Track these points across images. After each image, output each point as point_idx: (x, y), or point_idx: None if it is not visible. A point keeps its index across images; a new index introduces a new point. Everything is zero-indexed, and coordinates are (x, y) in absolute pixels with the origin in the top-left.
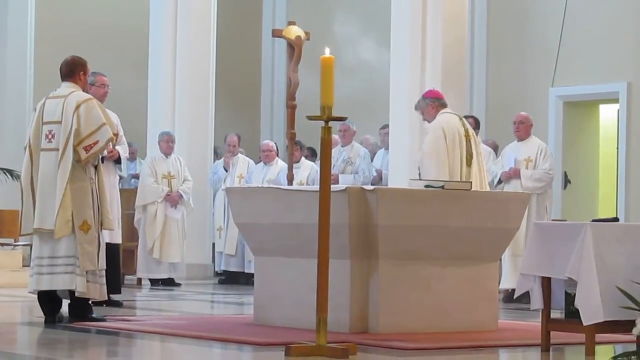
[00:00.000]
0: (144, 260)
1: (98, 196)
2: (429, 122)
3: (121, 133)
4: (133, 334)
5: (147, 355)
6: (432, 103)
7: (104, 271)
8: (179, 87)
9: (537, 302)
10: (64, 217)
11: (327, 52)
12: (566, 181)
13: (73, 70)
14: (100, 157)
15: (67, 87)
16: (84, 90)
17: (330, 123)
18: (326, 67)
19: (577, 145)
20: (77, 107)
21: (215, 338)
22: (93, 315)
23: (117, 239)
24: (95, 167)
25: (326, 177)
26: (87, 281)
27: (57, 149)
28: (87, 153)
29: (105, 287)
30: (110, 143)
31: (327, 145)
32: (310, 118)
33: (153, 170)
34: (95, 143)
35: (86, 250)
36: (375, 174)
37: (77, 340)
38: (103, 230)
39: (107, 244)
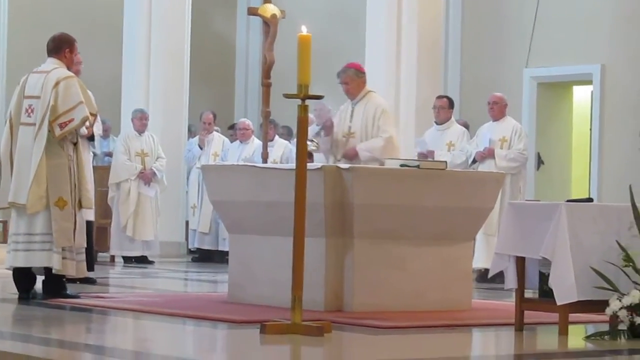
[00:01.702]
0: (117, 237)
1: (76, 174)
2: (352, 97)
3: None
4: (107, 311)
5: (121, 332)
6: (364, 78)
7: (83, 249)
8: (153, 65)
9: (511, 281)
10: (37, 193)
11: (304, 30)
12: (539, 162)
13: (59, 46)
14: (79, 135)
15: (51, 63)
16: (68, 68)
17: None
18: (303, 45)
19: (550, 126)
20: (57, 83)
21: (190, 315)
22: (67, 292)
23: (90, 216)
24: (75, 145)
25: (302, 155)
26: (64, 258)
27: (35, 124)
28: (61, 130)
29: (84, 264)
30: (88, 122)
31: (303, 123)
32: (287, 96)
33: (126, 147)
34: (71, 121)
35: (61, 226)
36: None
37: (52, 317)
38: (82, 209)
39: None
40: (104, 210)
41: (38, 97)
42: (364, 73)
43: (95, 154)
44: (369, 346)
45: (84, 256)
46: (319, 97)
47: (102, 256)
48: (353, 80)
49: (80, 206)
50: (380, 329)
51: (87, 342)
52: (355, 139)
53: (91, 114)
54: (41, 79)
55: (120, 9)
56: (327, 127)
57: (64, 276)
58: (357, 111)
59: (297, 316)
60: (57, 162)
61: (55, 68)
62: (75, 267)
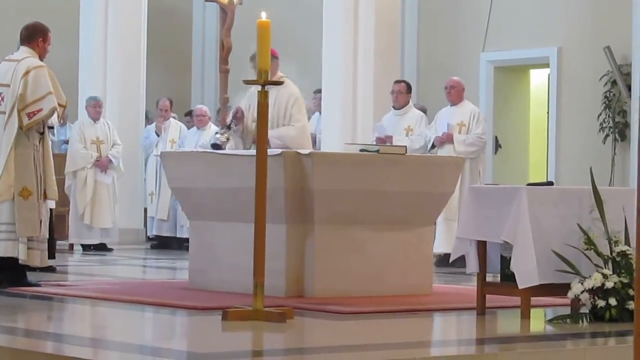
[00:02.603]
0: (75, 225)
1: (41, 164)
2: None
3: None
4: (67, 298)
5: (81, 320)
6: (277, 62)
7: (46, 239)
8: (110, 51)
9: (472, 265)
10: (6, 182)
11: (264, 16)
12: (497, 146)
13: (32, 35)
14: (46, 125)
15: (23, 52)
16: (41, 58)
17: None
18: (263, 31)
19: (507, 110)
20: (27, 72)
21: (151, 302)
22: (27, 281)
23: (51, 204)
24: (42, 135)
25: (262, 140)
26: (29, 248)
27: (5, 113)
28: (29, 119)
29: (46, 253)
30: (56, 113)
31: (264, 108)
32: (247, 82)
33: (82, 136)
34: (39, 111)
35: (24, 216)
36: None
37: (13, 306)
38: (48, 200)
39: None
40: (62, 198)
41: (8, 86)
42: (277, 58)
43: (52, 142)
44: (331, 331)
45: (46, 245)
46: (278, 83)
47: (60, 244)
48: (273, 65)
49: (46, 197)
50: (342, 314)
51: (47, 330)
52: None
53: (60, 105)
54: (12, 67)
55: None
56: (238, 118)
57: (27, 266)
58: (269, 96)
59: (258, 302)
60: (23, 152)
61: (26, 57)
62: (39, 257)
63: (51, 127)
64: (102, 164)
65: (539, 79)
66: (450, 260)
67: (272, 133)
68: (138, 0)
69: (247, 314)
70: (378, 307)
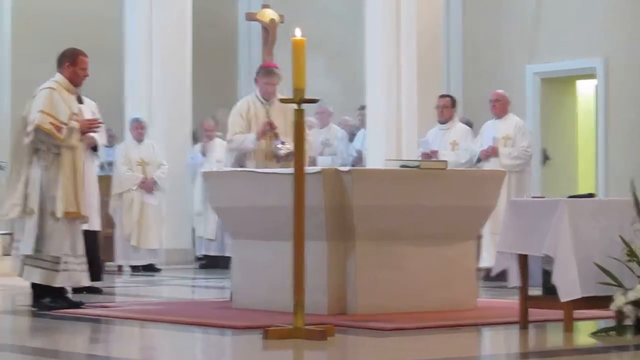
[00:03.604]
0: (122, 247)
1: (49, 183)
2: (271, 97)
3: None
4: (109, 320)
5: (121, 341)
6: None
7: (61, 258)
8: (155, 72)
9: (514, 279)
10: (11, 201)
11: (299, 34)
12: (545, 157)
13: (60, 60)
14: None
15: (51, 78)
16: (73, 82)
17: (305, 105)
18: (298, 49)
19: (555, 121)
20: (34, 96)
21: (193, 322)
22: (46, 301)
23: (96, 226)
24: (57, 155)
25: (300, 159)
26: (25, 264)
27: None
28: (27, 138)
29: (56, 273)
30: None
31: (300, 127)
32: (282, 101)
33: (126, 157)
34: (31, 131)
35: (25, 235)
36: (354, 154)
37: (53, 328)
38: (74, 219)
39: (85, 231)
40: (110, 219)
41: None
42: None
43: (103, 165)
44: (373, 349)
45: (74, 266)
46: (314, 101)
47: (109, 265)
48: (278, 81)
49: (55, 214)
50: (384, 330)
51: (87, 352)
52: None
53: (53, 124)
54: None
55: (122, 17)
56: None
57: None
58: (274, 111)
59: (299, 320)
60: (33, 171)
61: (48, 82)
62: (41, 275)
63: (95, 149)
64: (147, 186)
65: (586, 89)
66: (492, 274)
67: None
68: (183, 21)
69: (287, 332)
70: (420, 323)
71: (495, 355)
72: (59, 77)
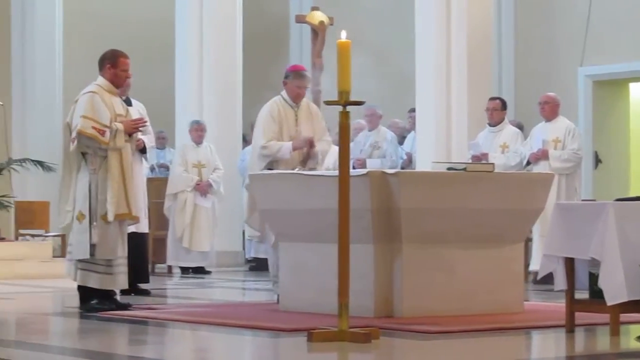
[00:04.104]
0: (173, 248)
1: (98, 186)
2: (299, 101)
3: (147, 123)
4: (157, 322)
5: (168, 343)
6: None
7: (113, 261)
8: (206, 75)
9: (560, 283)
10: (64, 207)
11: (344, 36)
12: (597, 161)
13: (100, 63)
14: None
15: (93, 82)
16: (114, 84)
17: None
18: (343, 51)
19: (607, 124)
20: (76, 100)
21: (238, 325)
22: (93, 303)
23: (144, 228)
24: (105, 158)
25: (345, 161)
26: (78, 269)
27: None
28: (72, 145)
29: (111, 276)
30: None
31: (345, 130)
32: (327, 103)
33: (184, 158)
34: (75, 138)
35: (77, 239)
36: (404, 157)
37: (98, 330)
38: (124, 220)
39: (133, 233)
40: (161, 221)
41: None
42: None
43: (154, 167)
44: (417, 352)
45: (112, 269)
46: (359, 103)
47: (160, 267)
48: (309, 84)
49: (105, 218)
50: (429, 333)
51: (135, 355)
52: None
53: (96, 128)
54: None
55: (172, 20)
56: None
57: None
58: (302, 114)
59: (343, 323)
60: (81, 176)
61: (89, 85)
62: (94, 279)
63: (144, 152)
64: (202, 188)
65: (638, 92)
66: (538, 278)
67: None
68: (233, 23)
69: (332, 335)
70: (466, 326)
71: (541, 359)
72: (100, 80)
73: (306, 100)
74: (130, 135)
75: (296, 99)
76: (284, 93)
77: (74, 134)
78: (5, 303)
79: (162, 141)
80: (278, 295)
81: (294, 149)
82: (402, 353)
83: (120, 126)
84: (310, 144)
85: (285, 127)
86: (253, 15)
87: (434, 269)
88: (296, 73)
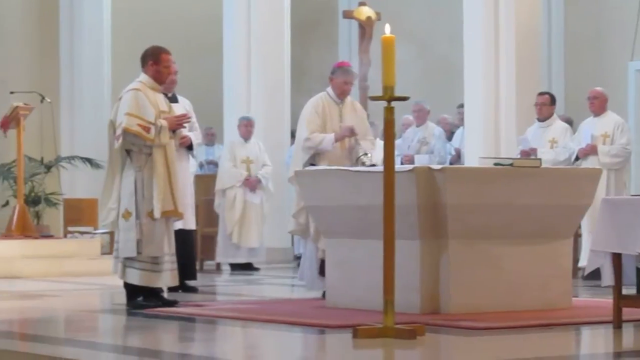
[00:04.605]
0: (223, 245)
1: (144, 184)
2: (344, 97)
3: (193, 119)
4: (204, 318)
5: (214, 340)
6: None
7: (160, 258)
8: (254, 71)
9: (608, 278)
10: (107, 205)
11: (388, 31)
12: None
13: (143, 60)
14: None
15: (136, 79)
16: (157, 81)
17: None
18: (387, 46)
19: None
20: (119, 98)
21: (283, 321)
22: (139, 300)
23: (191, 225)
24: (149, 155)
25: (390, 157)
26: (126, 267)
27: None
28: (117, 142)
29: (158, 274)
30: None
31: (389, 125)
32: (372, 98)
33: (232, 154)
34: (120, 135)
35: (123, 237)
36: (452, 153)
37: (145, 327)
38: (170, 217)
39: (180, 230)
40: (210, 218)
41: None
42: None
43: (202, 164)
44: (463, 348)
45: (158, 266)
46: (404, 99)
47: (208, 264)
48: (355, 80)
49: (152, 215)
50: (476, 330)
51: (180, 352)
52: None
53: (141, 125)
54: None
55: (220, 16)
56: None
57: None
58: (346, 110)
59: (389, 319)
60: (126, 174)
61: (132, 83)
62: (139, 277)
63: (190, 148)
64: (251, 184)
65: None
66: (585, 274)
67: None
68: (281, 18)
69: (377, 331)
70: (513, 322)
71: (587, 354)
72: (143, 76)
73: (350, 98)
74: (174, 131)
75: (341, 95)
76: (329, 89)
77: (118, 132)
78: (54, 300)
79: (211, 138)
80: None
81: (337, 139)
82: (448, 349)
83: (164, 123)
84: (352, 132)
85: (329, 122)
86: (301, 10)
87: (481, 265)
88: (342, 69)
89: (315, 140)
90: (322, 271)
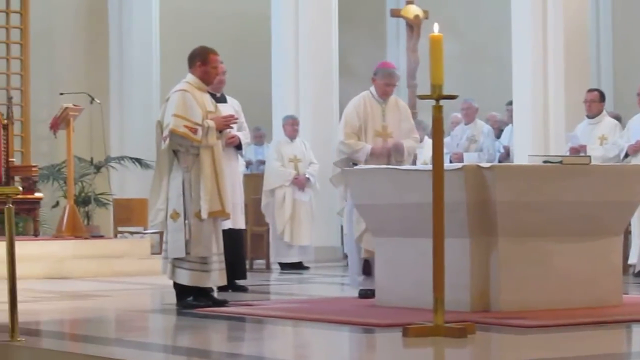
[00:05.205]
0: (273, 244)
1: (191, 184)
2: (386, 97)
3: (242, 119)
4: (254, 318)
5: (265, 339)
6: None
7: (208, 258)
8: (302, 71)
9: None
10: (156, 205)
11: (436, 30)
12: None
13: (191, 60)
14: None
15: (183, 80)
16: (205, 81)
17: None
18: (435, 45)
19: None
20: (167, 99)
21: (333, 320)
22: (189, 299)
23: (241, 224)
24: (197, 156)
25: (439, 155)
26: (175, 267)
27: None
28: (164, 143)
29: (207, 273)
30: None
31: (438, 123)
32: (420, 97)
33: (279, 154)
34: (167, 136)
35: (172, 238)
36: (502, 150)
37: (194, 326)
38: (217, 217)
39: (230, 229)
40: (259, 217)
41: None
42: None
43: (250, 163)
44: (514, 346)
45: (215, 265)
46: (452, 97)
47: (258, 263)
48: (398, 82)
49: (199, 215)
50: (526, 328)
51: (231, 352)
52: (393, 138)
53: (188, 126)
54: None
55: (268, 16)
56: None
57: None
58: (389, 109)
59: (439, 318)
60: (174, 175)
61: (180, 83)
62: (188, 276)
63: (239, 148)
64: (300, 182)
65: None
66: (636, 271)
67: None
68: (329, 18)
69: (427, 330)
70: (564, 320)
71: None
72: (190, 77)
73: (394, 97)
74: (221, 131)
75: (383, 95)
76: (372, 88)
77: (165, 133)
78: (104, 300)
79: (260, 138)
80: (366, 290)
81: (372, 153)
82: (499, 347)
83: (211, 123)
84: (396, 149)
85: (371, 122)
86: (349, 8)
87: (531, 263)
88: (384, 71)
89: (351, 147)
90: (365, 270)
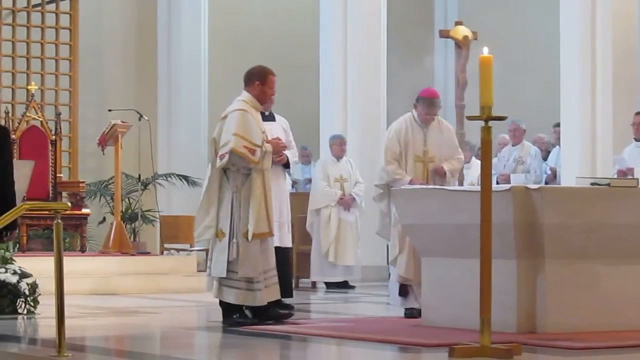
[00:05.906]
0: (318, 263)
1: (240, 205)
2: (429, 123)
3: (290, 138)
4: (301, 336)
5: (311, 358)
6: None
7: (255, 278)
8: (350, 91)
9: None
10: (204, 222)
11: (486, 51)
12: None
13: (249, 79)
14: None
15: (238, 98)
16: (260, 101)
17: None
18: (485, 66)
19: None
20: (224, 117)
21: (379, 340)
22: (236, 317)
23: (287, 242)
24: (248, 176)
25: (487, 177)
26: (221, 285)
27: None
28: (220, 161)
29: (252, 292)
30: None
31: (487, 145)
32: (469, 118)
33: (325, 174)
34: (224, 155)
35: (216, 257)
36: (548, 172)
37: (240, 345)
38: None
39: (277, 247)
40: (305, 236)
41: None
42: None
43: (296, 182)
44: None
45: (253, 285)
46: (501, 118)
47: (304, 282)
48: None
49: (247, 236)
50: (573, 350)
51: None
52: (434, 162)
53: (247, 147)
54: None
55: (316, 35)
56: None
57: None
58: (431, 133)
59: (485, 339)
60: (223, 195)
61: (236, 101)
62: (234, 295)
63: (287, 166)
64: (346, 202)
65: None
66: None
67: (449, 169)
68: (377, 38)
69: (473, 350)
70: (611, 342)
71: None
72: (246, 95)
73: (438, 118)
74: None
75: (425, 122)
76: (415, 112)
77: (224, 150)
78: (150, 317)
79: (307, 157)
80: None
81: (411, 183)
82: None
83: (269, 148)
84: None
85: (412, 147)
86: (397, 28)
87: (578, 285)
88: (425, 101)
89: (391, 175)
90: (401, 292)
